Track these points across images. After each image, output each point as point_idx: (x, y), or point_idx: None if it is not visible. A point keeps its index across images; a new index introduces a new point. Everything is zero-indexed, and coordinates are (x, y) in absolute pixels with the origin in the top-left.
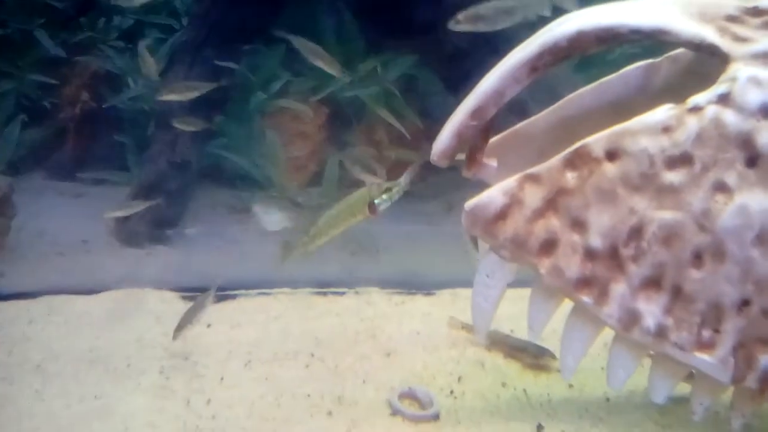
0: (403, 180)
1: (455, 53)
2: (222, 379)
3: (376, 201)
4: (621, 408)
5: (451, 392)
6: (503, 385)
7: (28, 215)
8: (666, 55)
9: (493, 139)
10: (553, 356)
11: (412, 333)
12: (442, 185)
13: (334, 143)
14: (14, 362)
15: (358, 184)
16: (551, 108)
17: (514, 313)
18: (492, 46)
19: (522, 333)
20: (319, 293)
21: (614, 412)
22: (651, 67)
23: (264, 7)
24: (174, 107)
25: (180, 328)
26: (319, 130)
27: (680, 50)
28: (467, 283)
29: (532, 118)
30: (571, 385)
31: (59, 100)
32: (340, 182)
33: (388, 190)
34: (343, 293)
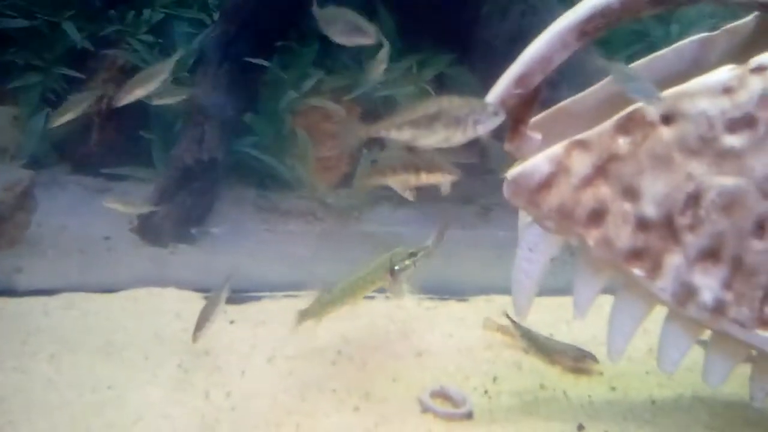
0: (431, 243)
1: (492, 52)
2: (243, 373)
3: (396, 267)
4: (668, 410)
5: (486, 392)
6: (541, 386)
7: (49, 210)
8: (723, 28)
9: (537, 117)
10: (594, 359)
11: (445, 335)
12: (477, 189)
13: (366, 144)
14: (27, 352)
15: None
16: (599, 84)
17: (552, 320)
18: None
19: (561, 339)
20: None
21: (661, 414)
22: (707, 41)
23: (297, 3)
24: (203, 103)
25: (199, 328)
26: None
27: (738, 23)
28: (502, 290)
29: (580, 95)
30: (614, 388)
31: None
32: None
33: (412, 254)
34: (373, 297)
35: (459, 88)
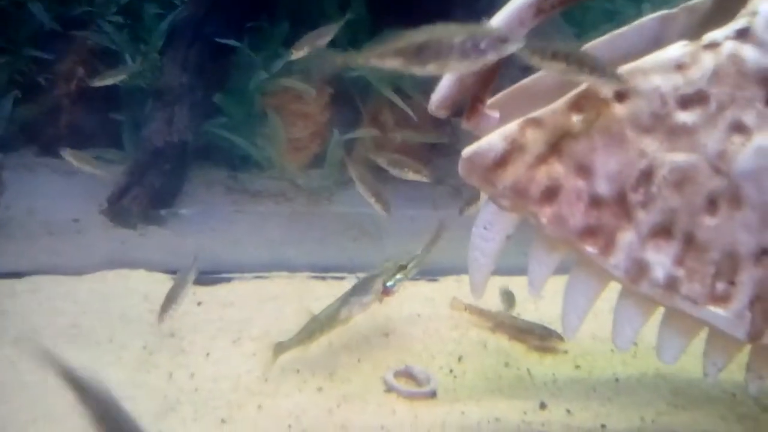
0: (421, 252)
1: None
2: (208, 354)
3: (388, 284)
4: (631, 388)
5: (451, 371)
6: (506, 365)
7: (18, 192)
8: (683, 5)
9: (497, 96)
10: (560, 338)
11: (413, 315)
12: (448, 169)
13: (337, 124)
14: None
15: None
16: None
17: (519, 300)
18: None
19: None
20: (317, 278)
21: (624, 392)
22: (667, 18)
23: None
24: (173, 84)
25: (165, 309)
26: (322, 110)
27: (697, 0)
28: None
29: (539, 74)
30: (578, 366)
31: (54, 75)
32: (343, 164)
33: (402, 268)
34: (343, 278)
35: None
